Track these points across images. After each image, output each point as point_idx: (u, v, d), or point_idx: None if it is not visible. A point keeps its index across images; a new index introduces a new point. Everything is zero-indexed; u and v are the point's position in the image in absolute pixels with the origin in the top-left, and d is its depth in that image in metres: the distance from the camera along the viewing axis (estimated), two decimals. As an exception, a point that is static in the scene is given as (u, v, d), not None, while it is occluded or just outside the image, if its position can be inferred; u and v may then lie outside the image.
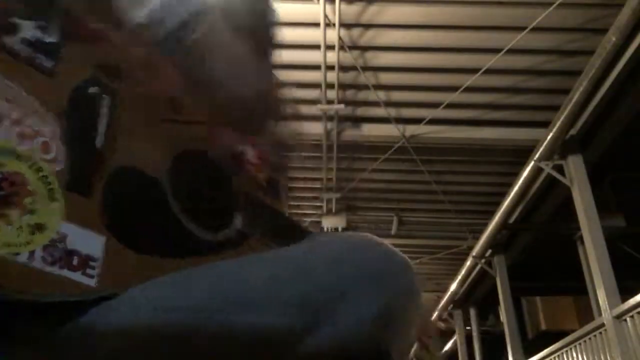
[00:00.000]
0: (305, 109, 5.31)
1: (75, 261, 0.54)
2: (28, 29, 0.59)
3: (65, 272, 0.53)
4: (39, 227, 0.51)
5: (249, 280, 0.56)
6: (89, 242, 0.56)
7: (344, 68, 4.82)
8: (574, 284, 7.14)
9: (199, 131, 0.73)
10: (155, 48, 0.66)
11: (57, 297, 0.52)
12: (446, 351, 11.69)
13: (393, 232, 7.41)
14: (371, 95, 5.13)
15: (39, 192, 0.53)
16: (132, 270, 0.59)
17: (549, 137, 4.87)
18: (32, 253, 0.51)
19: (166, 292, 0.56)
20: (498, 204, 6.13)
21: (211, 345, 0.54)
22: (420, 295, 0.63)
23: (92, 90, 0.62)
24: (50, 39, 0.61)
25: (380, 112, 5.32)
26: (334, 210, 6.91)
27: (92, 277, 0.55)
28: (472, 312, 9.09)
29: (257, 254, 0.64)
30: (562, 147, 4.99)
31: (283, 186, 0.86)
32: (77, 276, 0.53)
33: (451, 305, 9.21)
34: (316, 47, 4.52)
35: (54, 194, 0.54)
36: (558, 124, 4.70)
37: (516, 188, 5.62)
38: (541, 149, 5.02)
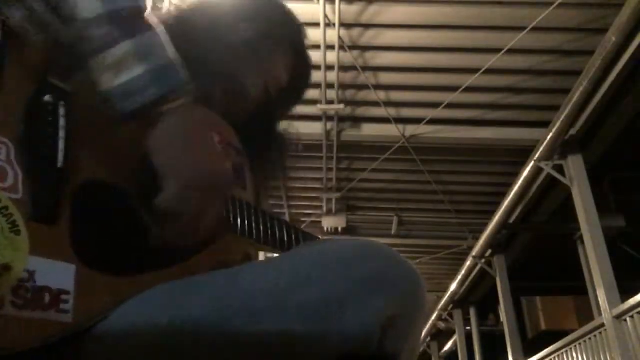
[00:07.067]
0: (305, 109, 5.31)
1: (47, 299, 0.48)
2: None
3: (37, 314, 0.47)
4: (5, 268, 0.45)
5: (251, 289, 0.55)
6: (59, 274, 0.50)
7: (344, 68, 4.82)
8: (574, 284, 7.14)
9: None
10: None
11: (36, 343, 0.47)
12: (446, 351, 11.69)
13: (393, 232, 7.40)
14: (371, 95, 5.12)
15: (0, 228, 0.45)
16: (107, 295, 0.54)
17: (549, 137, 4.86)
18: (0, 299, 0.45)
19: (165, 305, 0.55)
20: (498, 204, 6.13)
21: (213, 354, 0.53)
22: (427, 302, 0.62)
23: (47, 99, 0.55)
24: None
25: (380, 112, 5.32)
26: (334, 210, 6.90)
27: (67, 312, 0.49)
28: (472, 312, 9.08)
29: (255, 262, 0.61)
30: (562, 147, 4.98)
31: (246, 170, 0.82)
32: (50, 315, 0.48)
33: (451, 305, 9.20)
34: (316, 47, 4.51)
35: (17, 227, 0.46)
36: (558, 124, 4.70)
37: (516, 188, 5.62)
38: (541, 149, 5.02)
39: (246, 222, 0.75)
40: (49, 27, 0.57)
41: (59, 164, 0.54)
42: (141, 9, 0.62)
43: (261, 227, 0.78)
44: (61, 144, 0.55)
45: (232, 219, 0.73)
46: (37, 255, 0.49)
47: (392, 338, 0.55)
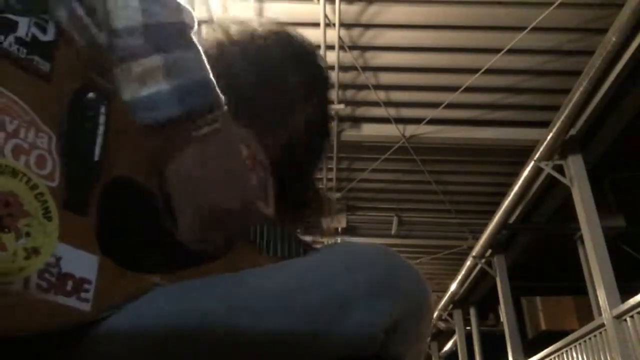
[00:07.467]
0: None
1: (69, 285, 0.50)
2: (24, 26, 0.52)
3: (60, 299, 0.49)
4: (34, 251, 0.47)
5: (258, 289, 0.56)
6: (83, 263, 0.52)
7: (344, 68, 4.82)
8: (574, 284, 7.15)
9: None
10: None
11: (55, 327, 0.49)
12: (446, 351, 11.70)
13: (393, 232, 7.40)
14: (371, 95, 5.13)
15: (35, 213, 0.48)
16: (126, 289, 0.56)
17: (549, 137, 4.87)
18: (26, 280, 0.47)
19: (172, 300, 0.56)
20: (498, 204, 6.13)
21: (217, 352, 0.53)
22: (432, 307, 0.62)
23: (91, 95, 0.57)
24: (46, 37, 0.54)
25: (380, 112, 5.32)
26: (334, 210, 6.91)
27: (86, 300, 0.51)
28: (472, 312, 9.09)
29: (265, 265, 0.62)
30: (562, 147, 4.99)
31: (270, 186, 0.84)
32: (71, 301, 0.50)
33: (451, 305, 9.22)
34: (316, 47, 4.51)
35: (50, 213, 0.49)
36: (558, 124, 4.70)
37: (516, 188, 5.62)
38: (541, 149, 5.02)
39: (264, 236, 0.77)
40: (86, 30, 0.58)
41: (95, 158, 0.56)
42: (184, 26, 0.61)
43: (277, 243, 0.79)
44: (100, 139, 0.57)
45: (251, 231, 0.74)
46: (65, 242, 0.50)
47: (396, 342, 0.55)
